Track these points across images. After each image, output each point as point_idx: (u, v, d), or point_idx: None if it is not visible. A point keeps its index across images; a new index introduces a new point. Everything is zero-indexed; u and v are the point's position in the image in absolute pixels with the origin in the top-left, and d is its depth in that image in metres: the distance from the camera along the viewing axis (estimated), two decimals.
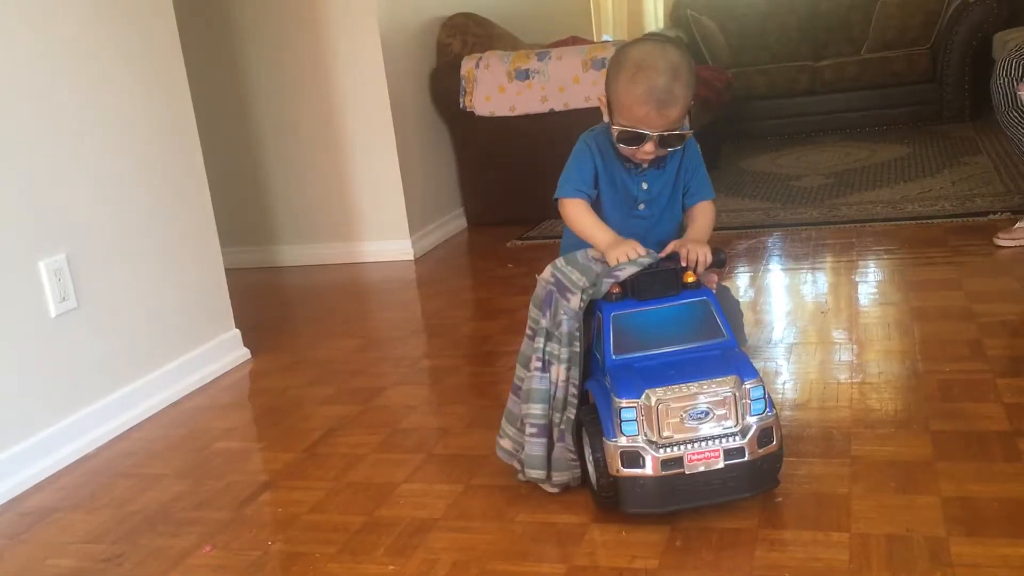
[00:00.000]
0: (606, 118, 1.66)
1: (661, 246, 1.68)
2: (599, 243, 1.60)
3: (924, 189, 3.71)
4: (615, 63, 1.62)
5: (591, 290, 1.56)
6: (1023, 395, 1.80)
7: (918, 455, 1.62)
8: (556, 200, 1.69)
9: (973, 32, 5.05)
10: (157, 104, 2.44)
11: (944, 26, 5.21)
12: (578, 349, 1.57)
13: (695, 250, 1.58)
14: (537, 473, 1.61)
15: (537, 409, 1.58)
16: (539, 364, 1.58)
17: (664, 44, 1.62)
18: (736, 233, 3.39)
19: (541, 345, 1.58)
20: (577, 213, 1.66)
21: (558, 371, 1.57)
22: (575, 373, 1.58)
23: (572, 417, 1.58)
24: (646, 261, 1.54)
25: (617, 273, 1.54)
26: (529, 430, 1.59)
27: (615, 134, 1.61)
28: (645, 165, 1.67)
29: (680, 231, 1.73)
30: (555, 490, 1.64)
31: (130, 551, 1.64)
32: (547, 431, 1.59)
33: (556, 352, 1.57)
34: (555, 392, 1.58)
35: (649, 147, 1.59)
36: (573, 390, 1.58)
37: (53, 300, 2.07)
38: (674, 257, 1.58)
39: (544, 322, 1.58)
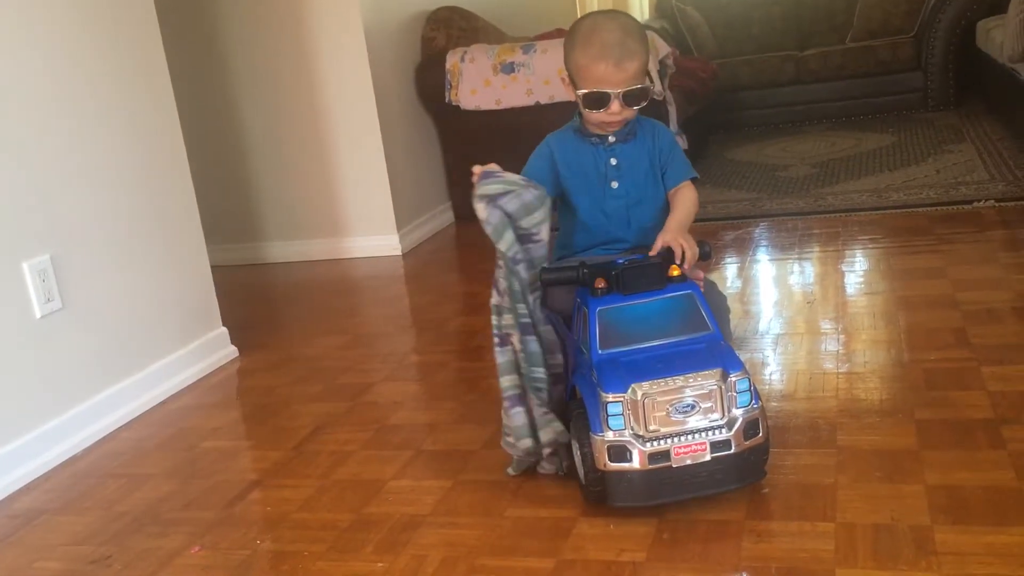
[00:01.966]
0: (569, 93, 1.69)
1: (644, 231, 1.70)
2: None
3: (909, 178, 3.72)
4: (569, 36, 1.68)
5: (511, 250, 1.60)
6: (1008, 383, 1.81)
7: (903, 444, 1.63)
8: None
9: (957, 20, 5.06)
10: (140, 102, 2.42)
11: (928, 14, 5.23)
12: (524, 310, 1.60)
13: (681, 243, 1.58)
14: (526, 443, 1.60)
15: (507, 381, 1.61)
16: (497, 340, 1.63)
17: (612, 10, 1.69)
18: (722, 224, 3.40)
19: (496, 322, 1.63)
20: None
21: (515, 339, 1.60)
22: (527, 329, 1.60)
23: (534, 376, 1.60)
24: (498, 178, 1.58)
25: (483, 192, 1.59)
26: (505, 404, 1.62)
27: (580, 100, 1.65)
28: (612, 138, 1.69)
29: (663, 216, 1.73)
30: (550, 467, 1.65)
31: (118, 552, 1.64)
32: (521, 399, 1.61)
33: (510, 322, 1.60)
34: (517, 360, 1.61)
35: (615, 106, 1.63)
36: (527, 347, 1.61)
37: (38, 301, 2.06)
38: (663, 251, 1.58)
39: (494, 299, 1.64)
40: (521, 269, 1.60)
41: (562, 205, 1.80)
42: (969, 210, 3.14)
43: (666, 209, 1.74)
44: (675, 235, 1.60)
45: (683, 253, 1.57)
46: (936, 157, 4.03)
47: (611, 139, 1.71)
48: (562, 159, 1.73)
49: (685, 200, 1.72)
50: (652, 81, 1.52)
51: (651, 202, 1.73)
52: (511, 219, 1.59)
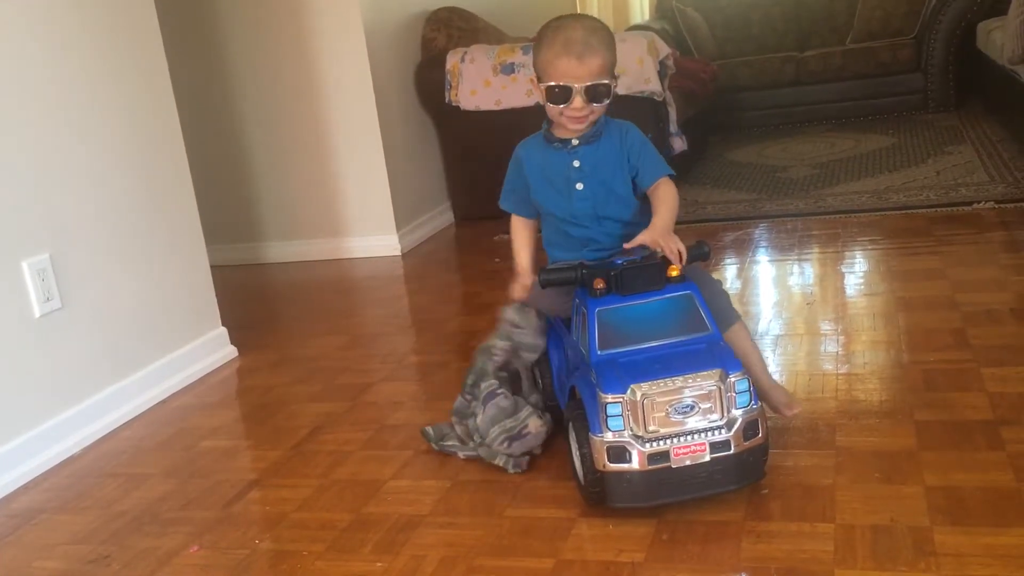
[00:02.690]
0: (537, 95, 1.71)
1: (615, 231, 1.71)
2: (513, 229, 1.88)
3: (909, 179, 3.72)
4: (537, 37, 1.71)
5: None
6: (1007, 384, 1.81)
7: (903, 445, 1.63)
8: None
9: (957, 21, 5.06)
10: (139, 102, 2.42)
11: (928, 15, 5.23)
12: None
13: (668, 243, 1.57)
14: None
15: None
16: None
17: (580, 14, 1.73)
18: (722, 225, 3.40)
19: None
20: (513, 229, 1.89)
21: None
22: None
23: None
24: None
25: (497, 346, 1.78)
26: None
27: (544, 94, 1.67)
28: (575, 141, 1.70)
29: (635, 216, 1.74)
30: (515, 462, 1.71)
31: (117, 552, 1.64)
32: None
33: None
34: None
35: (577, 102, 1.64)
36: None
37: (37, 300, 2.06)
38: (637, 250, 1.59)
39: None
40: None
41: (541, 213, 1.83)
42: (969, 211, 3.14)
43: (640, 209, 1.74)
44: (658, 234, 1.59)
45: (671, 251, 1.57)
46: (936, 158, 4.03)
47: (574, 142, 1.72)
48: (529, 167, 1.77)
49: (666, 198, 1.69)
50: (615, 83, 1.54)
51: (619, 202, 1.72)
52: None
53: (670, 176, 1.73)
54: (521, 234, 1.87)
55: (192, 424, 2.21)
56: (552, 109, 1.68)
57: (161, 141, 2.50)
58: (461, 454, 1.78)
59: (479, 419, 1.73)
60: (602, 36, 1.67)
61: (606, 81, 1.66)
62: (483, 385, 1.75)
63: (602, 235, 1.74)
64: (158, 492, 1.85)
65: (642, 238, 1.60)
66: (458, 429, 1.81)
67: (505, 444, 1.69)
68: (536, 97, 1.73)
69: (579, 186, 1.72)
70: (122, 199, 2.35)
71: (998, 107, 4.63)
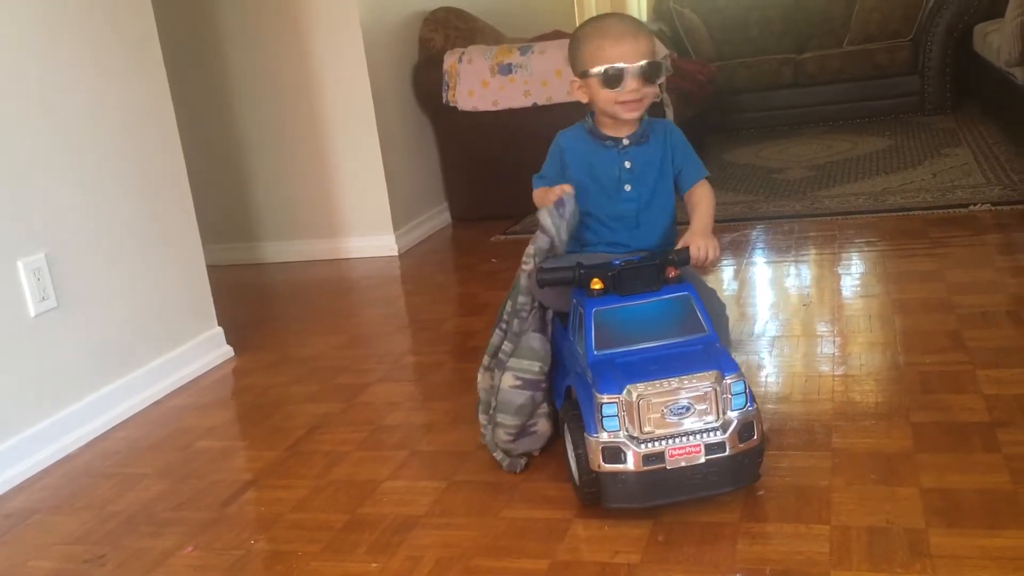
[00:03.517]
0: (581, 95, 1.71)
1: (651, 233, 1.70)
2: (536, 199, 1.72)
3: (905, 181, 3.73)
4: (575, 39, 1.71)
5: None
6: (1003, 386, 1.81)
7: (899, 447, 1.63)
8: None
9: (954, 24, 5.07)
10: (136, 101, 2.42)
11: (925, 18, 5.24)
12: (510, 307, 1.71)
13: (703, 246, 1.62)
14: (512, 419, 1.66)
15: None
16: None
17: (614, 12, 1.73)
18: (720, 226, 3.39)
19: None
20: (536, 193, 1.75)
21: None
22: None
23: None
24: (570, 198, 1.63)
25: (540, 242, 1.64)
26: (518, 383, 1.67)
27: (599, 80, 1.64)
28: (626, 141, 1.70)
29: (669, 217, 1.76)
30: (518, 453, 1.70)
31: (112, 552, 1.63)
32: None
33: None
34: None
35: (632, 83, 1.63)
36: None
37: (32, 300, 2.06)
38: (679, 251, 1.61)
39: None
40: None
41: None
42: (965, 213, 3.14)
43: (673, 211, 1.76)
44: (698, 237, 1.64)
45: (703, 256, 1.62)
46: (932, 161, 4.03)
47: (625, 142, 1.71)
48: (572, 158, 1.73)
49: (705, 200, 1.73)
50: (668, 61, 1.56)
51: (660, 204, 1.74)
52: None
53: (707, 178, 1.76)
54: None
55: (188, 424, 2.21)
56: (605, 98, 1.65)
57: (158, 140, 2.49)
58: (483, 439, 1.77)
59: (504, 383, 1.67)
60: (641, 23, 1.70)
61: (658, 60, 1.66)
62: (520, 302, 1.70)
63: (633, 237, 1.73)
64: (153, 492, 1.85)
65: (686, 240, 1.64)
66: (482, 394, 1.77)
67: (510, 438, 1.68)
68: (578, 97, 1.72)
69: (627, 187, 1.71)
70: (118, 198, 2.34)
71: (995, 109, 4.63)
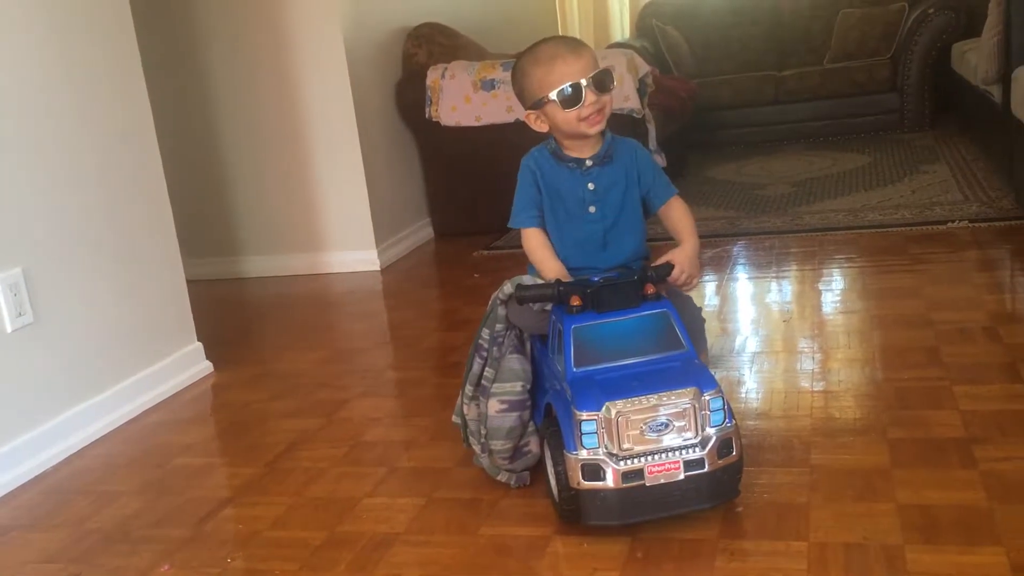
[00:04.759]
0: (539, 125, 1.71)
1: (620, 254, 1.72)
2: (547, 274, 1.67)
3: (884, 198, 3.76)
4: (519, 77, 1.70)
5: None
6: (979, 402, 1.83)
7: (876, 463, 1.64)
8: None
9: (932, 42, 5.13)
10: (115, 115, 2.41)
11: (904, 37, 5.30)
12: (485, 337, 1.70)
13: (688, 270, 1.64)
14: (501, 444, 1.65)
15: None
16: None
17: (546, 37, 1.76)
18: (701, 242, 3.33)
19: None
20: (532, 243, 1.73)
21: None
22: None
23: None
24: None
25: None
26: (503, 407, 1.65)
27: (558, 103, 1.63)
28: (589, 162, 1.70)
29: (642, 243, 1.76)
30: (512, 472, 1.68)
31: (87, 570, 1.62)
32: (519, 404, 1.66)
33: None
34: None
35: (589, 96, 1.63)
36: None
37: (9, 315, 2.04)
38: (659, 267, 1.62)
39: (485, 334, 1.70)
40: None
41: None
42: (943, 230, 3.17)
43: (642, 230, 1.75)
44: (686, 260, 1.65)
45: (684, 279, 1.64)
46: (911, 177, 4.07)
47: (588, 163, 1.70)
48: (542, 180, 1.72)
49: (688, 218, 1.74)
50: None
51: (627, 225, 1.72)
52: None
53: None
54: (543, 242, 1.72)
55: (165, 441, 2.19)
56: (567, 119, 1.64)
57: (138, 154, 2.48)
58: (476, 461, 1.76)
59: (491, 409, 1.66)
60: (578, 39, 1.71)
61: (605, 67, 1.67)
62: (497, 329, 1.69)
63: (601, 259, 1.71)
64: (130, 510, 1.83)
65: (672, 257, 1.64)
66: (472, 424, 1.74)
67: (507, 460, 1.67)
68: (537, 128, 1.71)
69: (592, 209, 1.70)
70: (97, 213, 2.33)
71: (972, 127, 4.68)
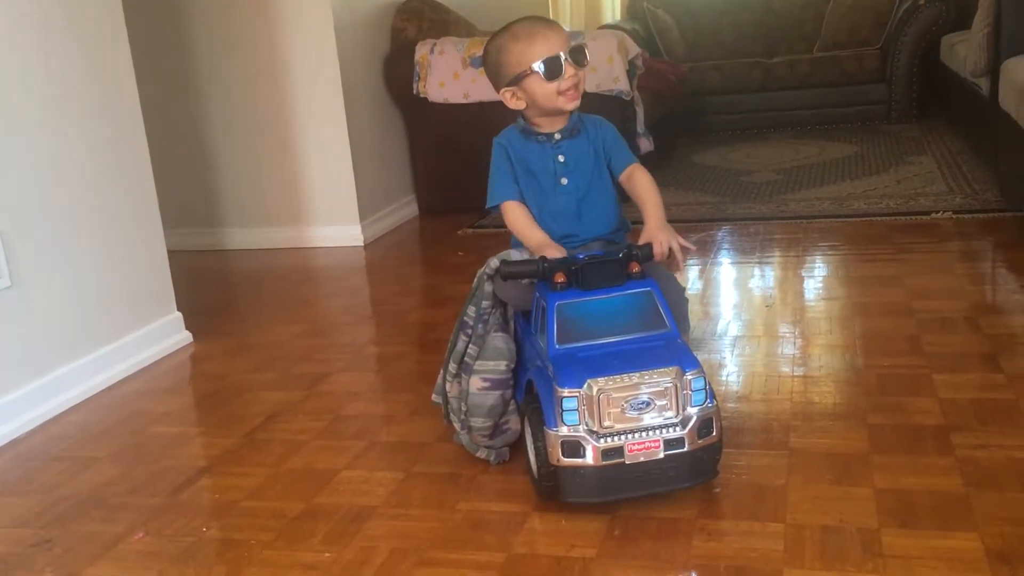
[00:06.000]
0: (515, 102, 1.72)
1: (594, 223, 1.73)
2: (530, 243, 1.68)
3: (870, 187, 3.77)
4: (495, 55, 1.72)
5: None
6: (958, 391, 1.84)
7: (855, 448, 1.64)
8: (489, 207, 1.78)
9: (922, 34, 5.13)
10: (99, 82, 2.37)
11: (894, 27, 5.30)
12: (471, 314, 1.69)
13: (663, 241, 1.61)
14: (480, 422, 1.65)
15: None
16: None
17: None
18: (686, 226, 3.41)
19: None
20: (512, 215, 1.73)
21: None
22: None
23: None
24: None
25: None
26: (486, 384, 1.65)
27: (541, 74, 1.65)
28: (558, 136, 1.71)
29: (616, 212, 1.77)
30: (493, 449, 1.68)
31: (60, 536, 1.60)
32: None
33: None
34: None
35: (569, 69, 1.66)
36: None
37: None
38: (642, 247, 1.60)
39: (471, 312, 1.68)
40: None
41: None
42: (927, 221, 3.18)
43: (616, 199, 1.77)
44: (658, 232, 1.63)
45: (666, 251, 1.61)
46: (897, 168, 4.08)
47: (557, 136, 1.73)
48: (515, 157, 1.75)
49: (649, 188, 1.72)
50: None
51: (599, 194, 1.74)
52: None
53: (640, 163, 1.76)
54: (523, 212, 1.72)
55: (142, 409, 2.17)
56: (547, 93, 1.66)
57: (120, 122, 2.45)
58: (456, 439, 1.75)
59: (472, 386, 1.66)
60: (549, 18, 1.74)
61: (580, 42, 1.71)
62: (483, 306, 1.68)
63: (579, 227, 1.73)
64: (104, 477, 1.82)
65: (644, 239, 1.62)
66: (453, 402, 1.74)
67: (487, 438, 1.68)
68: (514, 105, 1.72)
69: (564, 180, 1.72)
70: (78, 179, 2.30)
71: (959, 119, 4.70)
